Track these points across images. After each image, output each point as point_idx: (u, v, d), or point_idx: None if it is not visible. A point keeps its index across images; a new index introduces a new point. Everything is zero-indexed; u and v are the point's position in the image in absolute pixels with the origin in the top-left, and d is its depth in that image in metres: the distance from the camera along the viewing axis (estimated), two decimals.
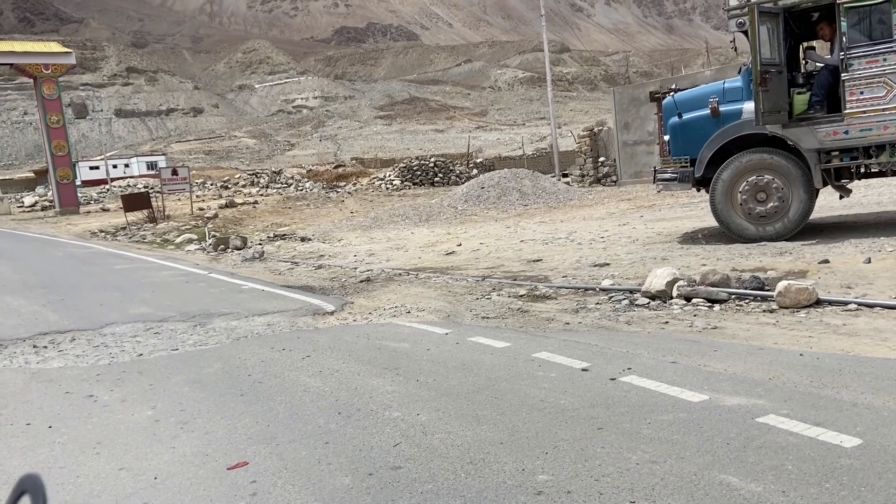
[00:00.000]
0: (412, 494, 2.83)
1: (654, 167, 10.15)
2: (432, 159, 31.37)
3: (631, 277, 7.21)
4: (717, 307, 5.74)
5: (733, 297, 5.90)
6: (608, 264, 8.19)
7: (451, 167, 30.67)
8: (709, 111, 8.66)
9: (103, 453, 3.69)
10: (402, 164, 31.28)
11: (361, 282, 8.78)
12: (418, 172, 29.80)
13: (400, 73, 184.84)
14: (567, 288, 7.10)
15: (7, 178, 64.07)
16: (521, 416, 3.62)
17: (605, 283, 6.99)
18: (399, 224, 15.49)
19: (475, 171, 31.69)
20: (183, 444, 3.70)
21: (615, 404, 3.67)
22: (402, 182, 29.53)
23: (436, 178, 29.55)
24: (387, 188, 29.24)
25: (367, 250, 12.13)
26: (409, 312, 6.66)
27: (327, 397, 4.19)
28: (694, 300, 5.91)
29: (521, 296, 6.96)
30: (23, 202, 36.84)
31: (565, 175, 25.91)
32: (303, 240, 14.65)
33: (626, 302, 6.19)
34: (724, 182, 8.55)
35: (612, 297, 6.46)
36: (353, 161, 58.46)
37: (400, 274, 9.11)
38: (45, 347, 6.37)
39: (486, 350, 4.91)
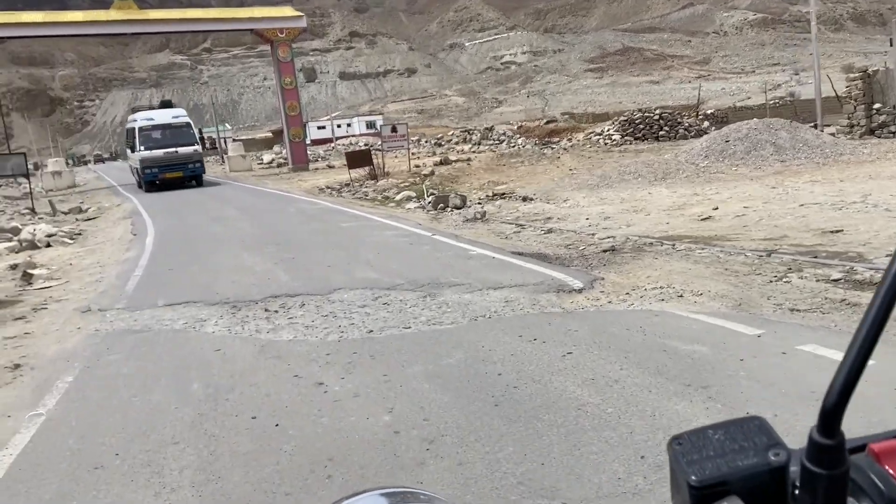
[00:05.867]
0: None
1: None
2: (657, 111, 28.67)
3: None
4: None
5: None
6: None
7: (678, 120, 27.81)
8: None
9: (335, 475, 2.92)
10: (622, 118, 29.00)
11: (605, 251, 7.53)
12: (641, 126, 27.37)
13: (613, 22, 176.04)
14: None
15: (250, 137, 71.29)
16: None
17: None
18: (631, 183, 13.88)
19: (706, 124, 28.53)
20: (431, 475, 2.81)
21: None
22: (623, 136, 27.37)
23: (661, 132, 26.95)
24: (605, 143, 27.29)
25: (599, 212, 10.79)
26: (681, 296, 5.30)
27: (615, 425, 3.06)
28: None
29: (834, 280, 5.27)
30: (262, 159, 40.36)
31: (818, 126, 22.10)
32: (524, 199, 13.66)
33: None
34: None
35: None
36: (565, 116, 56.47)
37: (651, 243, 7.70)
38: (276, 312, 6.01)
39: (834, 367, 3.44)
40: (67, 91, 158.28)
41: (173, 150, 24.29)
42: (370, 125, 64.51)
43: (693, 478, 0.44)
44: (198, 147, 25.74)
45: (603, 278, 6.24)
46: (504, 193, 15.06)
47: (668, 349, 4.00)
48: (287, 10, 31.01)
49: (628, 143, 26.81)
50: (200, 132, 30.75)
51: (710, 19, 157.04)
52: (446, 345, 4.60)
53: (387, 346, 4.73)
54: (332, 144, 51.30)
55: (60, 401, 4.17)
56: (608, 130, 28.73)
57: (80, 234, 14.17)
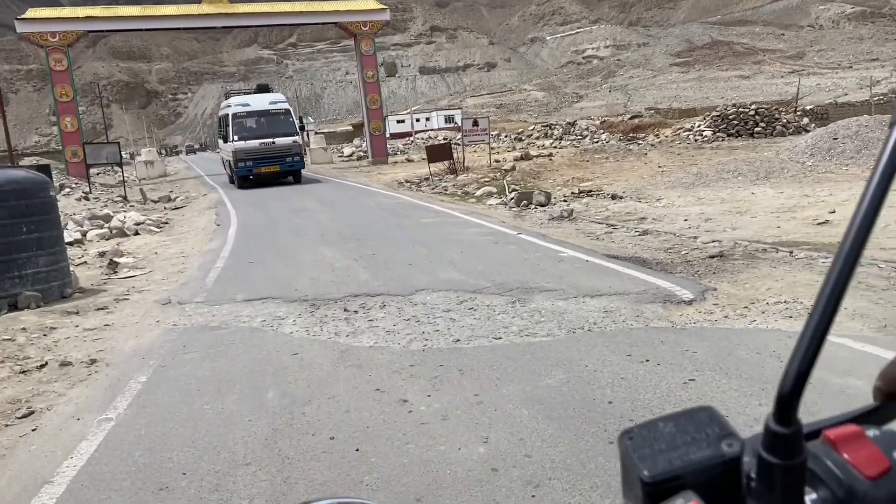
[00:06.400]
0: None
1: None
2: (752, 106, 27.06)
3: None
4: None
5: None
6: None
7: (775, 116, 26.15)
8: None
9: None
10: (714, 113, 27.55)
11: (712, 257, 6.84)
12: (734, 122, 25.89)
13: (701, 14, 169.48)
14: None
15: (331, 130, 72.43)
16: None
17: None
18: (730, 181, 12.93)
19: (805, 120, 26.76)
20: None
21: None
22: (714, 133, 25.98)
23: (755, 129, 25.41)
24: (695, 139, 25.98)
25: (698, 213, 10.01)
26: None
27: None
28: None
29: None
30: (342, 152, 40.78)
31: None
32: (613, 197, 12.94)
33: None
34: None
35: None
36: (650, 111, 54.57)
37: (764, 249, 6.95)
38: (356, 312, 5.67)
39: None
40: (162, 84, 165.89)
41: (270, 140, 21.18)
42: (449, 119, 64.35)
43: (645, 473, 0.42)
44: (297, 138, 22.18)
45: (715, 289, 5.59)
46: (590, 191, 14.38)
47: (814, 381, 3.35)
48: (371, 4, 31.02)
49: (720, 139, 25.43)
50: (301, 120, 25.75)
51: (804, 12, 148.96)
52: (544, 361, 4.11)
53: (476, 359, 4.28)
54: (411, 138, 51.36)
55: (131, 404, 3.93)
56: (699, 126, 27.36)
57: (166, 222, 14.41)
